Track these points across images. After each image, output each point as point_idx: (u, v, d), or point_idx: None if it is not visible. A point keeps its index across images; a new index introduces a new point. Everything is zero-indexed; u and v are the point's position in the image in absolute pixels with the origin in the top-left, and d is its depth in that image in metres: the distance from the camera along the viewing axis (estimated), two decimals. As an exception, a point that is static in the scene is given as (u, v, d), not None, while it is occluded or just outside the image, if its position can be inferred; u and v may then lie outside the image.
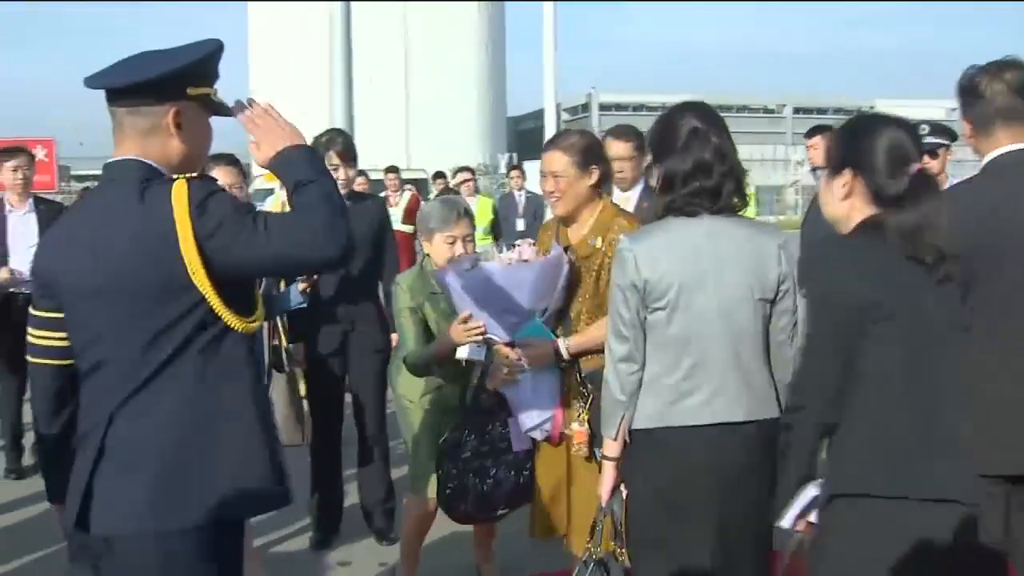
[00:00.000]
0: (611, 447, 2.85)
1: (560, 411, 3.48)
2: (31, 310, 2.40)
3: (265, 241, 2.13)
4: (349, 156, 4.73)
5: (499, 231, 11.24)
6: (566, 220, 3.52)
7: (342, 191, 4.65)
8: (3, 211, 6.22)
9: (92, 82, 2.27)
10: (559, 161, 3.42)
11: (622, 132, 4.92)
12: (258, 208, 2.38)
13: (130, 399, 2.20)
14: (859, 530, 2.28)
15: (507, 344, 3.50)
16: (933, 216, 2.34)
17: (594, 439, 3.30)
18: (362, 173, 13.14)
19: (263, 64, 36.34)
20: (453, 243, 3.80)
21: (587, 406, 3.35)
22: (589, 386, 3.35)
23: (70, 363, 2.33)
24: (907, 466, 2.27)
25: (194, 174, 2.27)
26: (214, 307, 2.18)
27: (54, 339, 2.35)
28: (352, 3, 13.49)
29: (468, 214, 3.90)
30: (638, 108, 52.08)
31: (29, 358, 2.41)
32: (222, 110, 2.37)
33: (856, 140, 2.48)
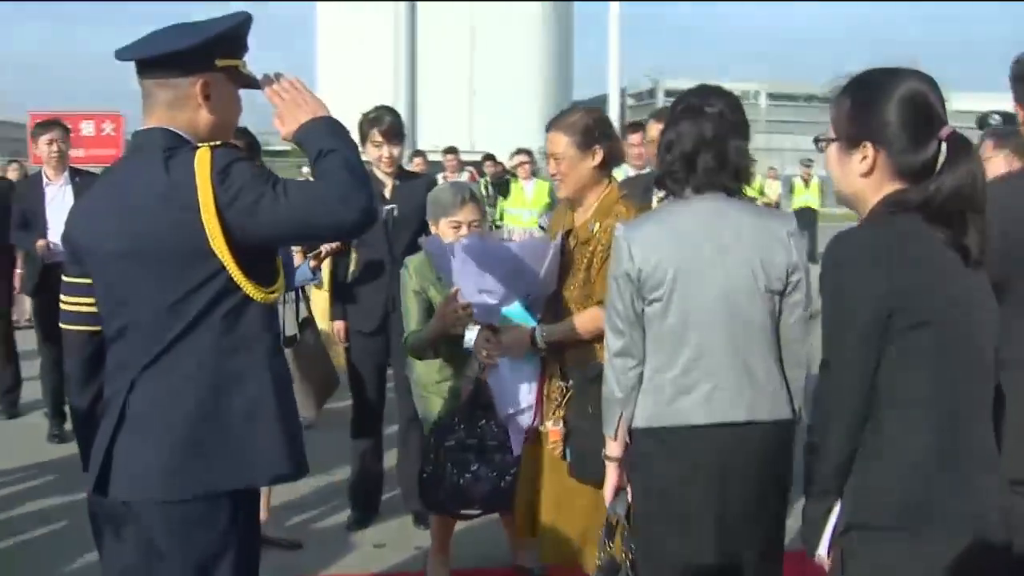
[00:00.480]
0: (611, 447, 2.73)
1: (538, 404, 3.34)
2: (63, 276, 2.44)
3: (284, 207, 2.12)
4: (392, 134, 4.68)
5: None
6: (573, 203, 3.39)
7: (387, 169, 4.69)
8: (41, 184, 6.36)
9: (122, 54, 2.29)
10: (559, 142, 3.28)
11: (663, 114, 4.82)
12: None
13: (151, 365, 2.22)
14: (879, 566, 2.01)
15: (488, 327, 3.40)
16: (968, 188, 1.96)
17: (569, 438, 3.18)
18: (420, 154, 13.18)
19: (330, 46, 36.64)
20: (458, 228, 3.71)
21: (563, 402, 3.22)
22: (569, 381, 3.22)
23: (100, 330, 2.35)
24: (934, 497, 1.95)
25: (218, 143, 2.26)
26: (233, 276, 2.18)
27: (84, 305, 2.37)
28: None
29: (475, 199, 3.80)
30: (705, 95, 51.29)
31: (61, 324, 2.45)
32: (250, 82, 2.37)
33: (873, 104, 2.05)
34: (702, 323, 2.55)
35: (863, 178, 2.07)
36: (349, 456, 4.96)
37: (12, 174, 10.75)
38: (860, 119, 2.07)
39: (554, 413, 3.24)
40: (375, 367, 4.83)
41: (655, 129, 4.67)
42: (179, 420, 2.19)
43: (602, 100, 24.64)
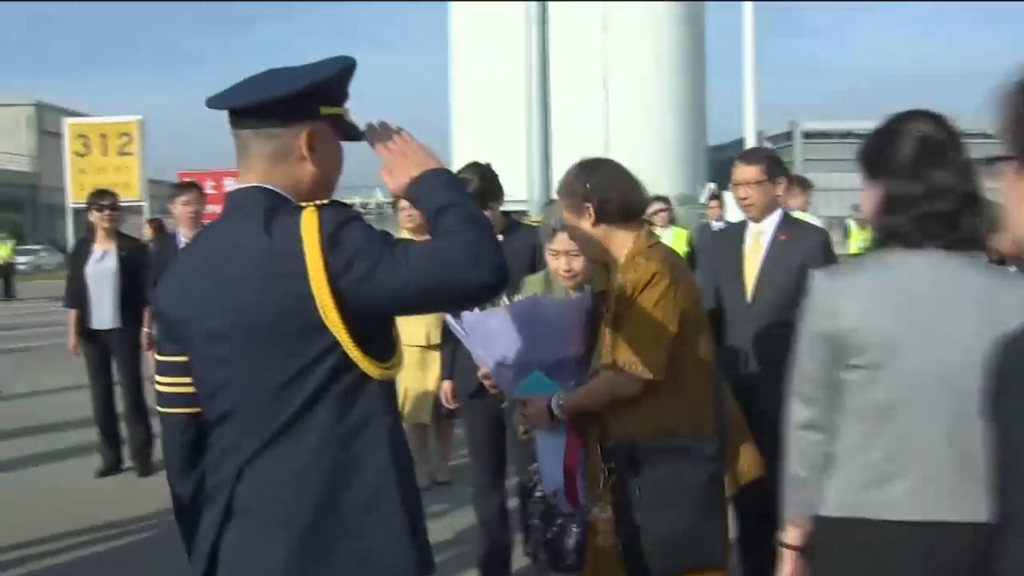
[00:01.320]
0: (790, 532, 2.35)
1: (575, 481, 3.03)
2: (155, 355, 2.23)
3: (405, 273, 1.86)
4: (480, 197, 4.35)
5: (696, 264, 10.73)
6: (604, 264, 3.14)
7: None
8: (176, 244, 6.70)
9: (217, 102, 2.06)
10: (561, 208, 3.13)
11: (749, 155, 4.59)
12: None
13: (259, 454, 1.98)
14: None
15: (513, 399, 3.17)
16: None
17: (620, 527, 2.83)
18: (551, 203, 13.01)
19: (463, 49, 36.89)
20: (556, 256, 3.53)
21: (607, 486, 2.86)
22: (611, 461, 2.86)
23: (199, 411, 2.13)
24: None
25: (325, 201, 2.03)
26: (348, 352, 1.93)
27: (181, 385, 2.15)
28: (550, 31, 13.39)
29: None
30: (844, 136, 50.06)
31: (158, 407, 2.23)
32: (354, 133, 2.13)
33: None
34: (915, 400, 2.14)
35: None
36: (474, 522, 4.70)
37: (147, 231, 11.17)
38: None
39: (600, 499, 2.90)
40: (489, 429, 4.55)
41: (742, 171, 4.40)
42: (294, 515, 1.95)
43: (739, 145, 24.11)
